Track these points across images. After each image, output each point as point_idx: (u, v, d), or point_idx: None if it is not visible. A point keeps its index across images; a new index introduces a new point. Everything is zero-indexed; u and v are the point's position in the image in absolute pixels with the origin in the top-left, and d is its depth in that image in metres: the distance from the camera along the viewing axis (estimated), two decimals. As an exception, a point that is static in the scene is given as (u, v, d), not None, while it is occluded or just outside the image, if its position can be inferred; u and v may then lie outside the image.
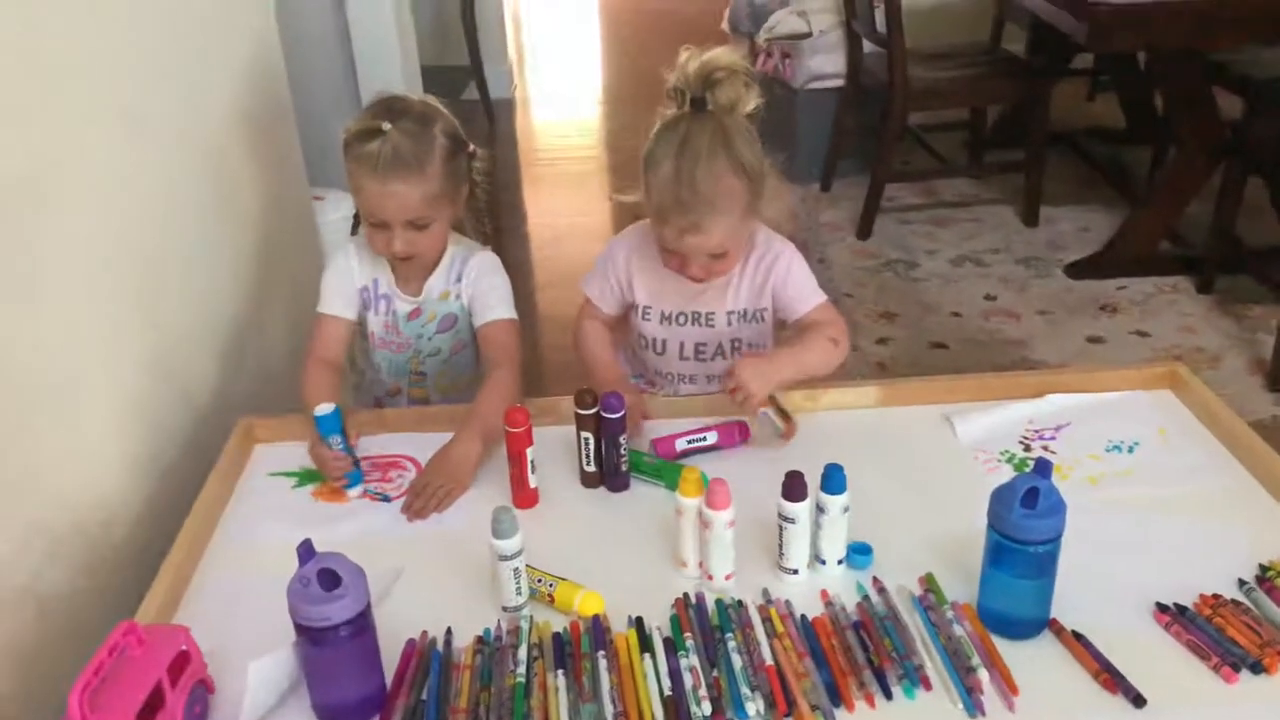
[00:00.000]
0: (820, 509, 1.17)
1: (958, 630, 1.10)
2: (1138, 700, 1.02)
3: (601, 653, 1.09)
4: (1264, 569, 1.17)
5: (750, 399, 1.38)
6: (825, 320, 1.51)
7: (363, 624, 1.01)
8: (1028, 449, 1.41)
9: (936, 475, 1.37)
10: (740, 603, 1.16)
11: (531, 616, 1.16)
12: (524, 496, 1.35)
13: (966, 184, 3.77)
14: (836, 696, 1.04)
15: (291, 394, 1.59)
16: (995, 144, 3.86)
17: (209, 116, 1.76)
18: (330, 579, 0.99)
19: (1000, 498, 1.07)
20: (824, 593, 1.18)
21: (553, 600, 1.17)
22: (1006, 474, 1.34)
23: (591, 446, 1.36)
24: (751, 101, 1.39)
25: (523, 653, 1.10)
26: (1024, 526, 1.05)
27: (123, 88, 1.47)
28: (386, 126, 1.43)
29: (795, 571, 1.19)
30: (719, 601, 1.16)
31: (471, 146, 1.57)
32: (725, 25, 4.28)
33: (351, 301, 1.60)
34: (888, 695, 1.04)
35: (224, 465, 1.43)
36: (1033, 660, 1.07)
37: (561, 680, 1.07)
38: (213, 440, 1.51)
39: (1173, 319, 2.90)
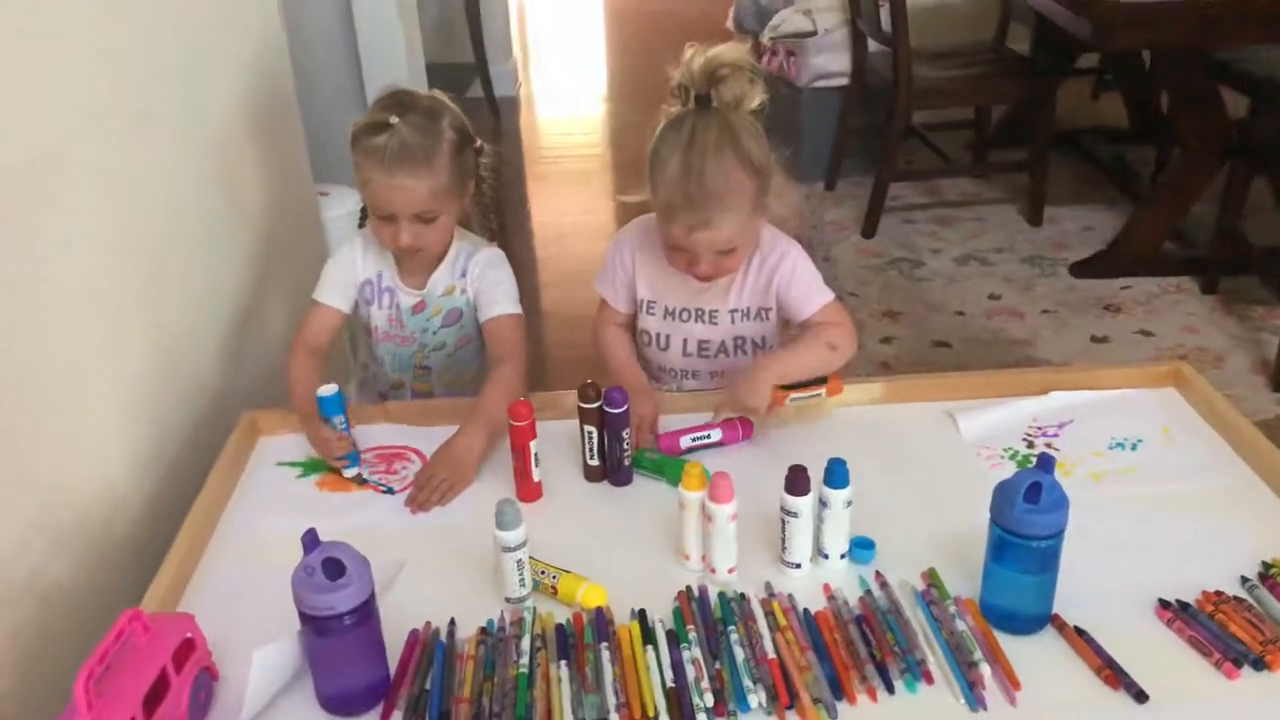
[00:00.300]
0: (823, 503, 1.17)
1: (960, 625, 1.10)
2: (1140, 696, 1.02)
3: (604, 644, 1.10)
4: (1267, 566, 1.17)
5: (758, 411, 1.39)
6: (830, 322, 1.50)
7: (367, 613, 1.02)
8: (1031, 446, 1.41)
9: (939, 471, 1.37)
10: (743, 596, 1.16)
11: (535, 608, 1.16)
12: (527, 490, 1.35)
13: (971, 183, 3.77)
14: (838, 689, 1.04)
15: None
16: (999, 143, 3.86)
17: (214, 112, 1.76)
18: (335, 568, 1.00)
19: (1003, 493, 1.07)
20: (826, 586, 1.18)
21: (556, 592, 1.17)
22: (1009, 470, 1.34)
23: (595, 440, 1.36)
24: (756, 98, 1.39)
25: (526, 644, 1.10)
26: (1026, 521, 1.05)
27: (128, 83, 1.47)
28: (395, 120, 1.44)
29: (798, 565, 1.19)
30: (722, 594, 1.17)
31: (479, 142, 1.57)
32: (730, 23, 4.29)
33: (348, 294, 1.60)
34: (890, 689, 1.04)
35: (228, 458, 1.43)
36: (1035, 655, 1.07)
37: (564, 671, 1.07)
38: (216, 434, 1.51)
39: (1177, 319, 2.90)
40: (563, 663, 1.08)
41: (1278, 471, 1.31)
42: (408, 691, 1.06)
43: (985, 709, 1.02)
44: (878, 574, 1.19)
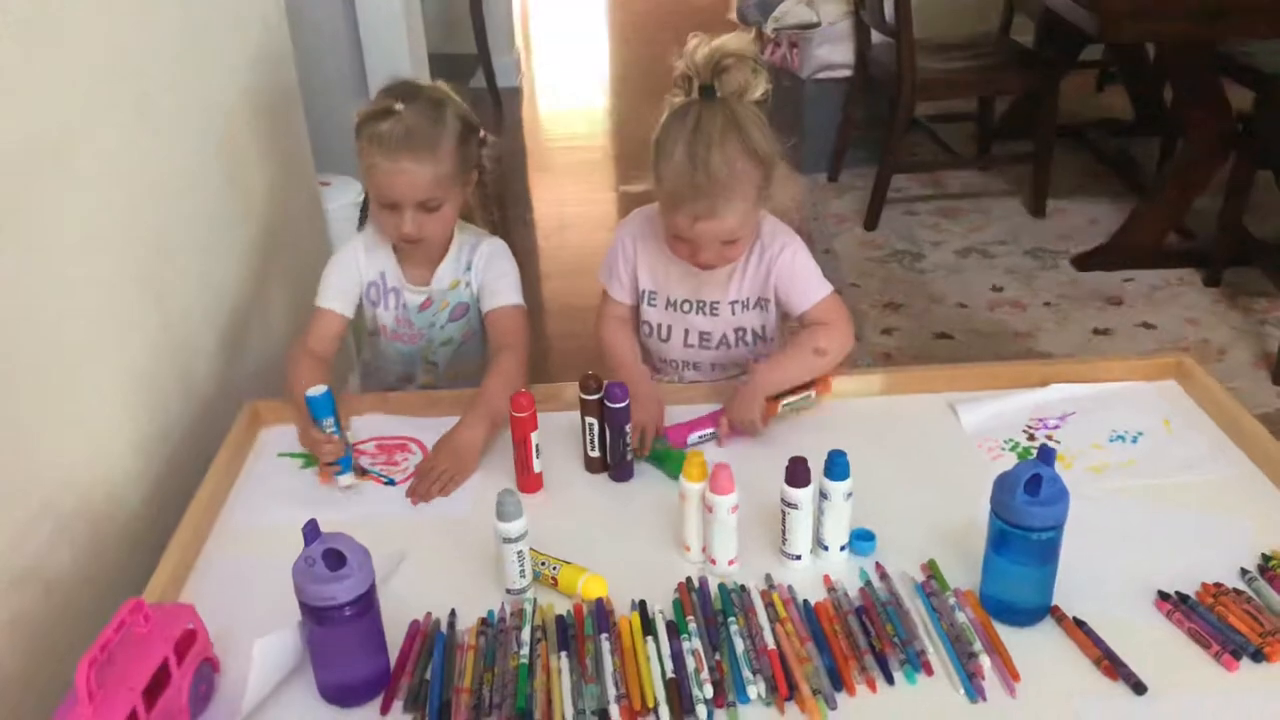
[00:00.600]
0: (824, 495, 1.17)
1: (960, 616, 1.10)
2: (1138, 687, 1.02)
3: (604, 635, 1.10)
4: (1266, 558, 1.17)
5: (754, 426, 1.40)
6: (819, 323, 1.50)
7: (367, 604, 1.02)
8: (1032, 438, 1.41)
9: (940, 463, 1.37)
10: (743, 587, 1.17)
11: (535, 599, 1.16)
12: (528, 481, 1.35)
13: (974, 175, 3.77)
14: (838, 681, 1.04)
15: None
16: (1003, 135, 3.86)
17: (217, 101, 1.76)
18: (335, 559, 1.00)
19: (1003, 484, 1.07)
20: (826, 578, 1.18)
21: (556, 583, 1.17)
22: (1010, 462, 1.34)
23: (596, 432, 1.36)
24: (760, 88, 1.39)
25: (526, 634, 1.10)
26: (1027, 513, 1.05)
27: (133, 72, 1.47)
28: (400, 107, 1.44)
29: (798, 557, 1.20)
30: (722, 586, 1.17)
31: (482, 132, 1.57)
32: (733, 15, 4.29)
33: (350, 298, 1.59)
34: (889, 680, 1.04)
35: (230, 447, 1.43)
36: (1034, 647, 1.08)
37: (565, 662, 1.07)
38: (218, 423, 1.51)
39: (1179, 311, 2.89)
40: (563, 654, 1.08)
41: (1278, 464, 1.31)
42: (408, 682, 1.06)
43: (985, 700, 1.02)
44: (878, 565, 1.19)
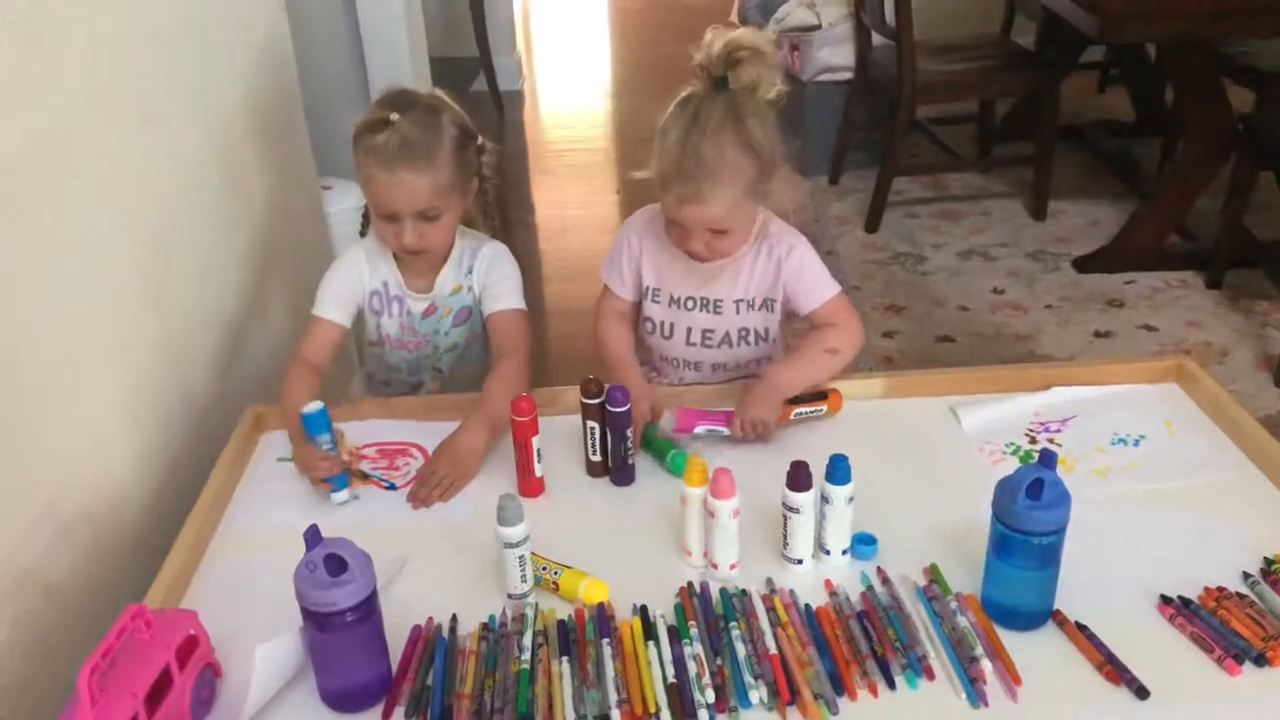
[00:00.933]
0: (825, 499, 1.17)
1: (961, 621, 1.10)
2: (1141, 692, 1.02)
3: (606, 640, 1.10)
4: (1269, 562, 1.17)
5: (768, 429, 1.40)
6: (830, 324, 1.51)
7: (369, 609, 1.02)
8: (1033, 441, 1.41)
9: (941, 467, 1.37)
10: (744, 592, 1.16)
11: (536, 604, 1.16)
12: (529, 485, 1.35)
13: (975, 177, 3.76)
14: (840, 685, 1.04)
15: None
16: (1004, 137, 3.86)
17: (218, 106, 1.76)
18: (336, 564, 1.00)
19: (1005, 488, 1.07)
20: (828, 582, 1.18)
21: (557, 588, 1.17)
22: (1012, 466, 1.34)
23: (597, 436, 1.36)
24: (774, 85, 1.39)
25: (527, 639, 1.10)
26: (1028, 517, 1.05)
27: (134, 76, 1.47)
28: (395, 117, 1.44)
29: (800, 561, 1.20)
30: (723, 590, 1.17)
31: (480, 139, 1.57)
32: (734, 17, 4.28)
33: (349, 307, 1.58)
34: (891, 685, 1.04)
35: (231, 452, 1.43)
36: (1036, 651, 1.08)
37: (566, 667, 1.07)
38: (219, 428, 1.51)
39: (1181, 313, 2.89)
40: (564, 659, 1.08)
41: (1280, 467, 1.31)
42: (409, 687, 1.06)
43: (986, 705, 1.02)
44: (879, 570, 1.19)
